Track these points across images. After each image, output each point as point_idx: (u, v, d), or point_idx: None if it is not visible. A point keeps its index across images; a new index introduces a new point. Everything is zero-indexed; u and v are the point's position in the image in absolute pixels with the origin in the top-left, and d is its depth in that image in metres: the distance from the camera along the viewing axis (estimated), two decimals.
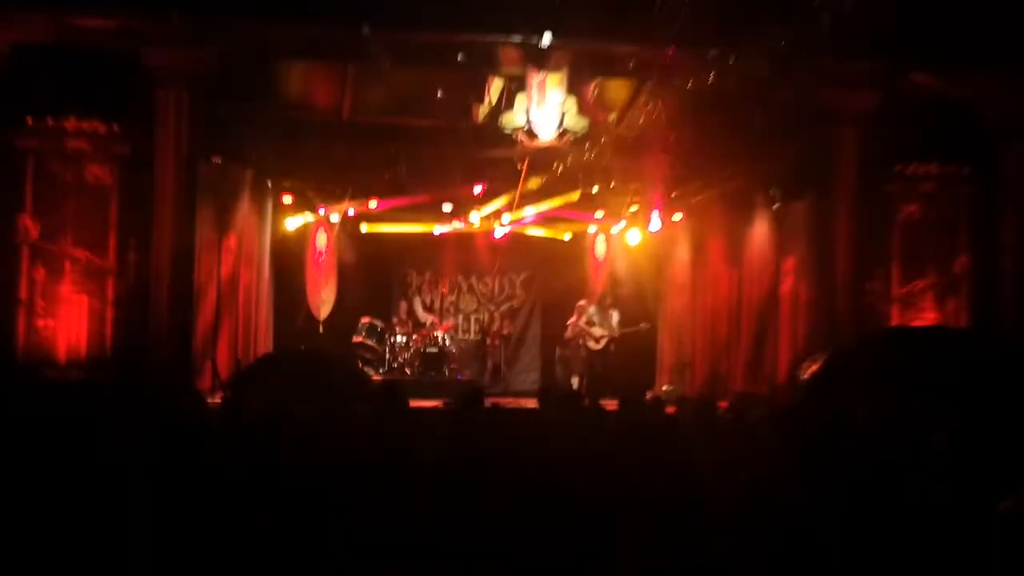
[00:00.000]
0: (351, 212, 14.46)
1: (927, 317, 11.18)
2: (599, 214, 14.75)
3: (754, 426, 5.49)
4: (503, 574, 4.20)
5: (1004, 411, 4.56)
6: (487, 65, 10.17)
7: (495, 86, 10.73)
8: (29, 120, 9.95)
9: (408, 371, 14.14)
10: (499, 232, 15.11)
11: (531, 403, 11.59)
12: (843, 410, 4.83)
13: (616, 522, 4.46)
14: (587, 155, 11.47)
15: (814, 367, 7.84)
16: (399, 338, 14.38)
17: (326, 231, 14.89)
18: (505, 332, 15.50)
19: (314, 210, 14.41)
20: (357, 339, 14.24)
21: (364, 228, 15.29)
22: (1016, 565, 2.67)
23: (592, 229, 15.66)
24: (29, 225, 9.98)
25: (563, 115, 10.32)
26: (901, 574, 3.49)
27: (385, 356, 14.28)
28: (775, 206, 12.62)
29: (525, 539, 4.15)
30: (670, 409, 7.08)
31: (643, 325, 13.92)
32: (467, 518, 4.27)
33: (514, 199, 13.87)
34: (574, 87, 10.27)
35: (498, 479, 4.53)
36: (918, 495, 3.54)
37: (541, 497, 4.46)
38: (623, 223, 14.82)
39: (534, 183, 13.00)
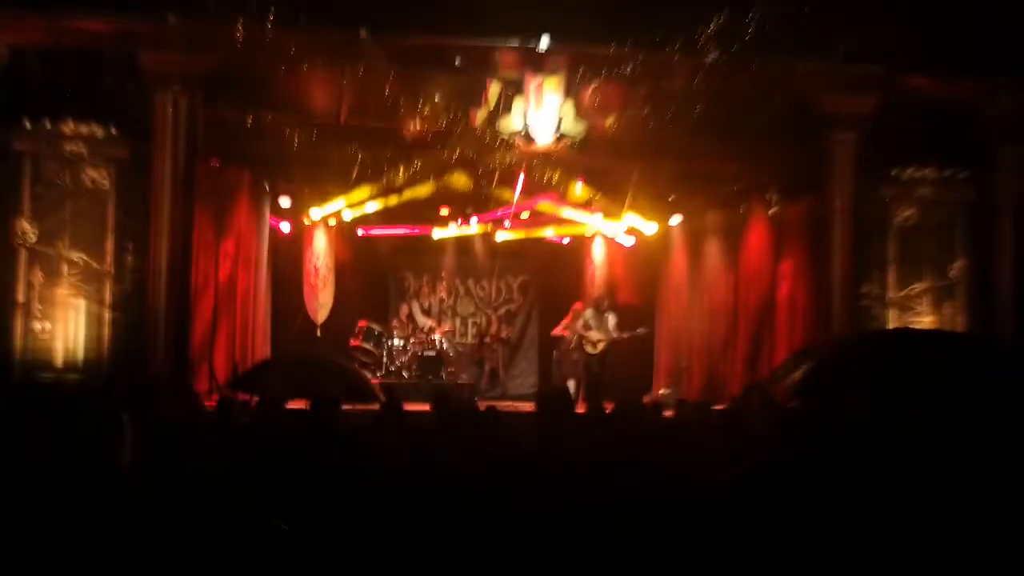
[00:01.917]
0: (348, 216, 14.46)
1: (924, 321, 11.17)
2: (597, 217, 14.74)
3: (750, 428, 5.49)
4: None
5: (991, 411, 4.57)
6: (485, 69, 10.17)
7: (493, 90, 10.72)
8: (26, 123, 9.94)
9: (405, 375, 14.14)
10: (497, 236, 15.10)
11: (528, 407, 11.62)
12: (833, 411, 4.83)
13: (612, 523, 4.45)
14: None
15: (796, 374, 7.81)
16: (397, 342, 14.38)
17: (324, 234, 14.90)
18: (503, 336, 15.49)
19: (311, 214, 14.42)
20: (355, 342, 14.24)
21: (361, 232, 15.29)
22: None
23: (590, 233, 15.66)
24: (26, 228, 9.97)
25: (560, 119, 10.32)
26: (894, 573, 3.50)
27: (383, 360, 14.27)
28: (772, 210, 12.63)
29: (518, 541, 4.14)
30: (667, 412, 7.08)
31: (641, 330, 13.89)
32: (461, 519, 4.26)
33: (512, 203, 13.87)
34: (572, 91, 10.28)
35: (492, 481, 4.52)
36: (910, 495, 3.55)
37: (535, 499, 4.45)
38: (621, 226, 14.81)
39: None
